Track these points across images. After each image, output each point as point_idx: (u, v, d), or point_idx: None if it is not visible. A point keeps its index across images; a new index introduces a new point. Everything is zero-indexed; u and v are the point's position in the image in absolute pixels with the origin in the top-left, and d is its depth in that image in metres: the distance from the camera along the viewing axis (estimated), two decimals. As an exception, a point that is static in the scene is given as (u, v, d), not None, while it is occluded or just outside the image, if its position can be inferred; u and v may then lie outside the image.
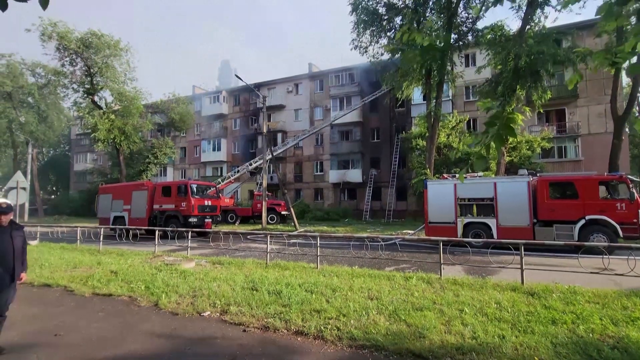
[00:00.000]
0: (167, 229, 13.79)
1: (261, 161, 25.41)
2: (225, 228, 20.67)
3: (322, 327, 4.54)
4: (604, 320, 4.65)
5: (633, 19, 2.55)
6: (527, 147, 23.08)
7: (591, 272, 6.59)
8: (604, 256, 6.68)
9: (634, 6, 2.35)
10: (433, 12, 20.08)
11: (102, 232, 12.86)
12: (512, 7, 17.80)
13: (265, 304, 5.52)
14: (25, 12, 32.54)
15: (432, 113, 19.85)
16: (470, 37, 20.65)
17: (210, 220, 18.13)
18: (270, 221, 24.47)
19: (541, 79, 16.66)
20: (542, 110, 21.97)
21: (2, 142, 37.64)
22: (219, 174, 36.18)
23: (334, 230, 19.00)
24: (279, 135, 35.89)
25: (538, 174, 12.91)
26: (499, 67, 17.40)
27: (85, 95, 29.50)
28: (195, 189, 17.65)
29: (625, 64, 2.52)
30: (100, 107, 29.69)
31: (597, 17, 2.25)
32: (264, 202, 21.23)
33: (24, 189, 13.88)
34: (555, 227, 11.21)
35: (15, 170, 26.84)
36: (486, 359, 3.68)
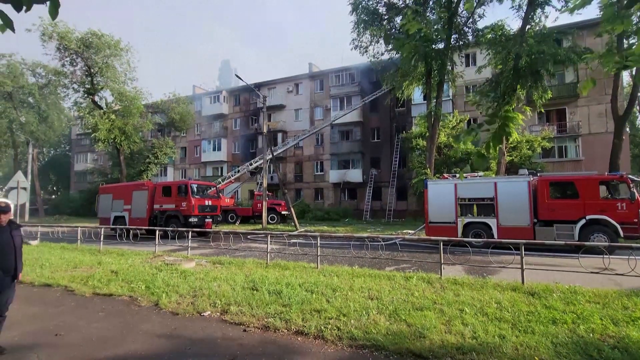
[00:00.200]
0: (167, 229, 13.79)
1: (261, 161, 25.44)
2: (225, 228, 20.67)
3: (322, 327, 4.54)
4: (604, 320, 4.65)
5: (634, 19, 2.55)
6: (528, 146, 23.06)
7: (592, 272, 6.58)
8: (605, 256, 6.69)
9: None
10: (434, 11, 20.08)
11: (102, 232, 12.85)
12: (513, 6, 17.81)
13: (265, 303, 5.52)
14: (25, 12, 32.42)
15: (432, 113, 19.83)
16: (470, 37, 20.65)
17: (210, 220, 18.14)
18: (270, 221, 24.48)
19: (542, 79, 16.64)
20: (542, 110, 21.94)
21: (3, 142, 37.60)
22: (219, 174, 36.18)
23: (334, 230, 19.00)
24: (279, 135, 35.88)
25: (538, 174, 12.86)
26: (499, 66, 17.41)
27: (85, 95, 29.51)
28: (195, 189, 17.67)
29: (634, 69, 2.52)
30: (100, 107, 29.69)
31: (598, 17, 2.24)
32: (264, 202, 21.24)
33: (25, 189, 13.91)
34: (555, 227, 11.19)
35: (15, 170, 26.87)
36: (486, 359, 3.68)
